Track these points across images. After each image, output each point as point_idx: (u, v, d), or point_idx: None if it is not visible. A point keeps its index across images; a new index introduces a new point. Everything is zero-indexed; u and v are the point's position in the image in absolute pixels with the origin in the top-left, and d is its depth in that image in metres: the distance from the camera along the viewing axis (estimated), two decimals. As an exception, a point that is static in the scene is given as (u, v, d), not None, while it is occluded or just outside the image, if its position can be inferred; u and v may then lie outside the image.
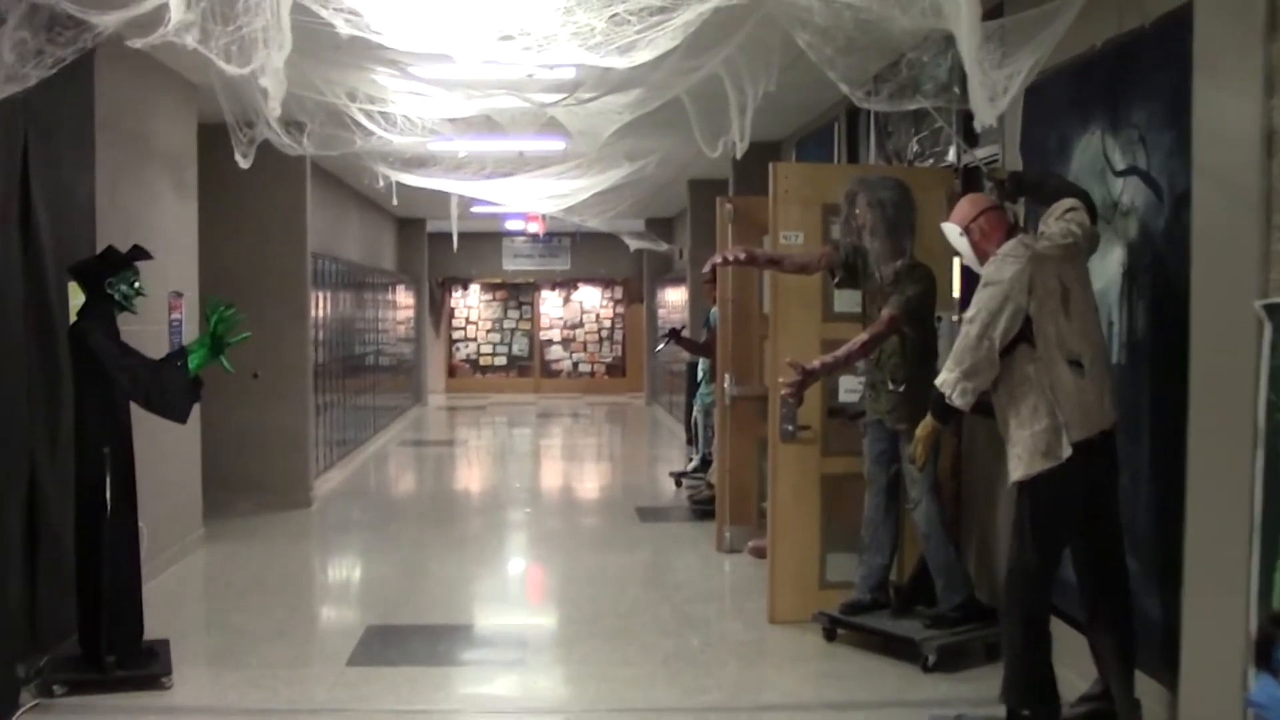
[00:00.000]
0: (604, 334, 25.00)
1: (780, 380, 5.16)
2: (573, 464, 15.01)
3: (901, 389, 5.81)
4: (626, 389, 24.04)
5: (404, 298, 19.12)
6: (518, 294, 24.89)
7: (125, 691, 5.15)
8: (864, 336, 5.56)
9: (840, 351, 5.55)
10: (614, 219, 14.76)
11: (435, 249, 21.48)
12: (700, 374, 10.99)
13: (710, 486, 10.04)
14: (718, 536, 8.49)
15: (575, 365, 24.99)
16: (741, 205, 8.42)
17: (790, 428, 6.44)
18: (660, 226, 19.22)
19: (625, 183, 12.00)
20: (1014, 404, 4.41)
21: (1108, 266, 4.83)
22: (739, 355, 8.40)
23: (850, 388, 6.58)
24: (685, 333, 10.94)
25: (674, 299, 18.86)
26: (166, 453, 7.49)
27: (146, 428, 5.47)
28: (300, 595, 7.27)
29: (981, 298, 4.39)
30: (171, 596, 7.00)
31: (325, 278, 12.01)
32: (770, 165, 6.54)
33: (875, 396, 5.95)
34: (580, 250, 23.77)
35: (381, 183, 11.20)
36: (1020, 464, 4.38)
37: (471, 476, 13.73)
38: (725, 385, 8.34)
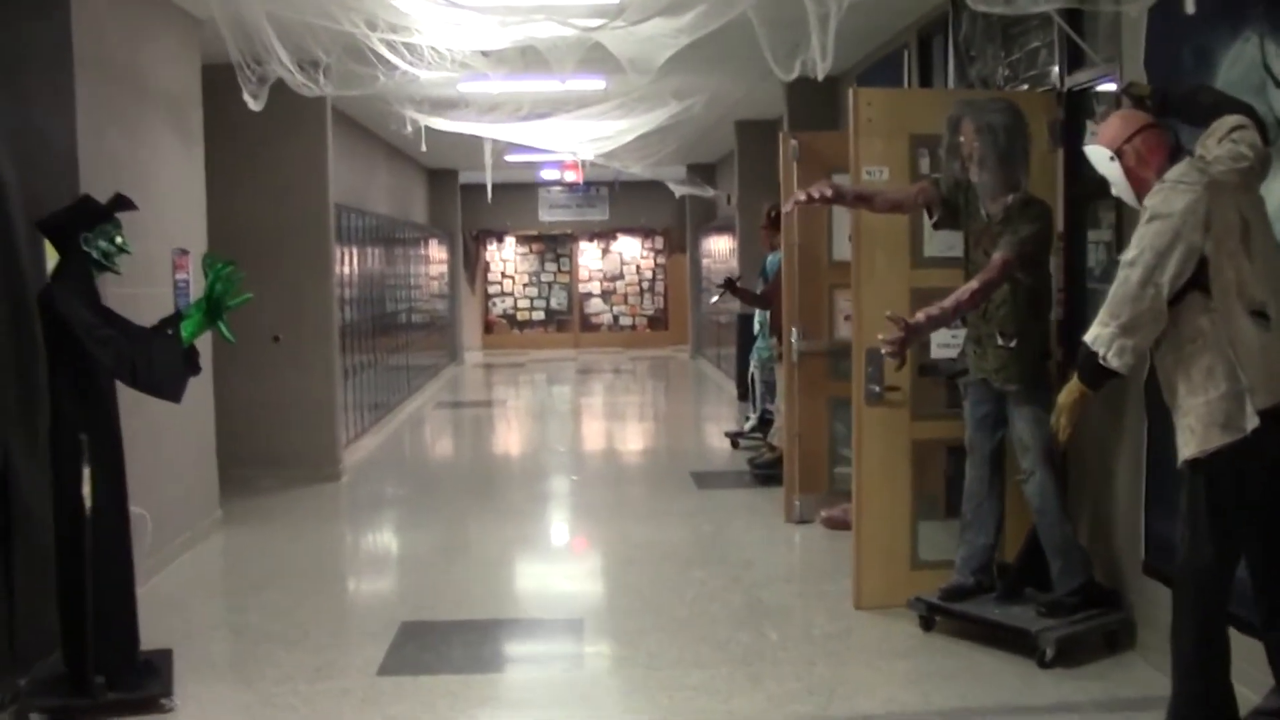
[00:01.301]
0: (645, 286, 24.16)
1: (880, 337, 4.35)
2: (618, 424, 14.24)
3: (1012, 344, 4.98)
4: (669, 342, 23.24)
5: (437, 252, 18.35)
6: (555, 246, 24.07)
7: (118, 718, 4.41)
8: (973, 285, 4.72)
9: (947, 302, 4.71)
10: (656, 164, 13.97)
11: (468, 201, 20.69)
12: (757, 327, 10.16)
13: (772, 449, 9.26)
14: (786, 506, 7.71)
15: (616, 319, 24.19)
16: (807, 141, 7.56)
17: (877, 389, 5.62)
18: (703, 173, 18.30)
19: (671, 124, 11.16)
20: (1183, 365, 3.57)
21: (1271, 196, 3.96)
22: (806, 307, 7.57)
23: (943, 342, 5.76)
24: (740, 283, 10.03)
25: (718, 248, 17.99)
26: (176, 428, 6.78)
27: (150, 401, 4.67)
28: (326, 587, 6.51)
29: (1145, 235, 3.54)
30: (179, 594, 6.28)
31: (352, 232, 11.23)
32: (851, 91, 5.68)
33: (981, 353, 5.11)
34: (619, 200, 22.90)
35: (409, 128, 10.42)
36: (1193, 438, 3.55)
37: (511, 440, 12.98)
38: (792, 340, 7.52)
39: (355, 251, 11.41)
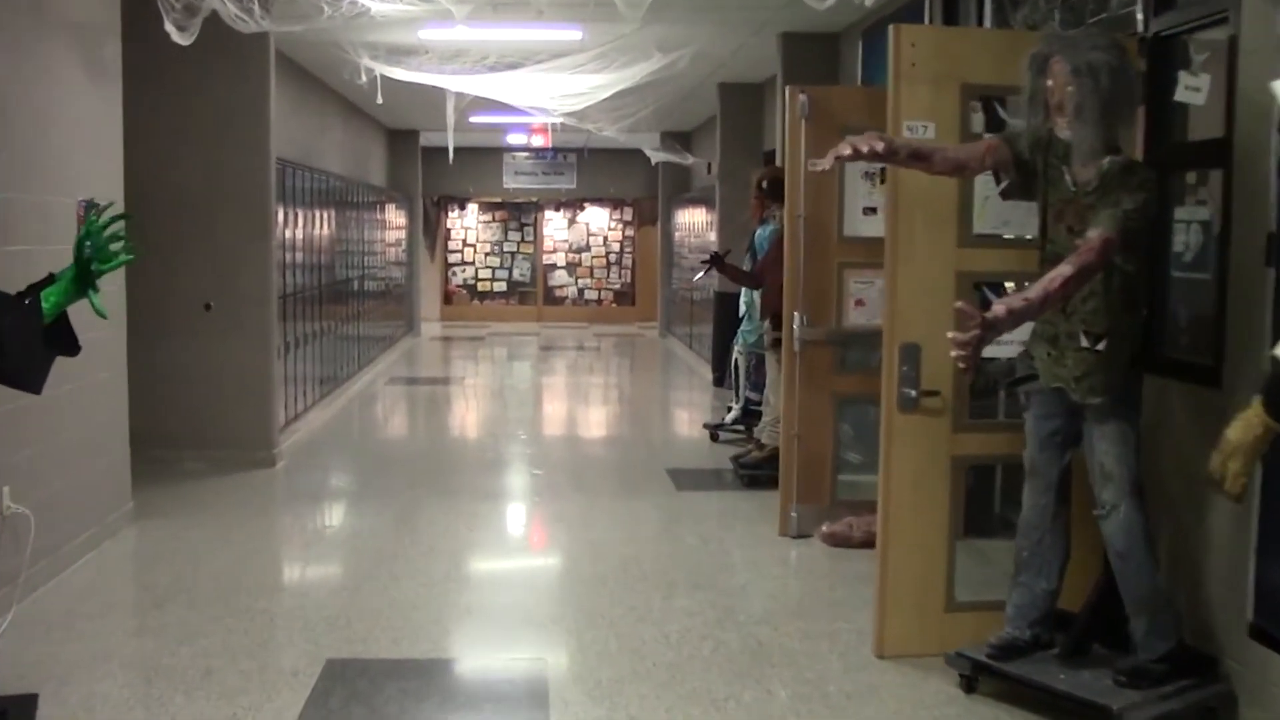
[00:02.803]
0: (612, 259, 23.09)
1: (951, 336, 3.38)
2: (584, 408, 13.23)
3: (1100, 346, 4.01)
4: (636, 318, 22.23)
5: (395, 217, 17.22)
6: (519, 214, 22.95)
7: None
8: (1066, 270, 3.73)
9: (1032, 292, 3.72)
10: (630, 130, 12.97)
11: (430, 165, 19.60)
12: (743, 307, 9.18)
13: (760, 446, 8.30)
14: (781, 517, 6.75)
15: (581, 292, 23.12)
16: (820, 97, 6.55)
17: (913, 392, 4.65)
18: (678, 141, 17.23)
19: (650, 81, 10.16)
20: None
21: None
22: (812, 288, 6.59)
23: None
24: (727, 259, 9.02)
25: (693, 220, 16.95)
26: (78, 404, 5.80)
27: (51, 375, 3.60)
28: (245, 604, 5.44)
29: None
30: (65, 613, 5.23)
31: (299, 192, 10.13)
32: (891, 28, 4.65)
33: (1057, 356, 4.14)
34: (587, 168, 21.84)
35: (364, 77, 9.35)
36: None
37: (469, 425, 11.93)
38: (795, 326, 6.54)
39: (304, 212, 10.31)
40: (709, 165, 14.71)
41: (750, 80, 12.45)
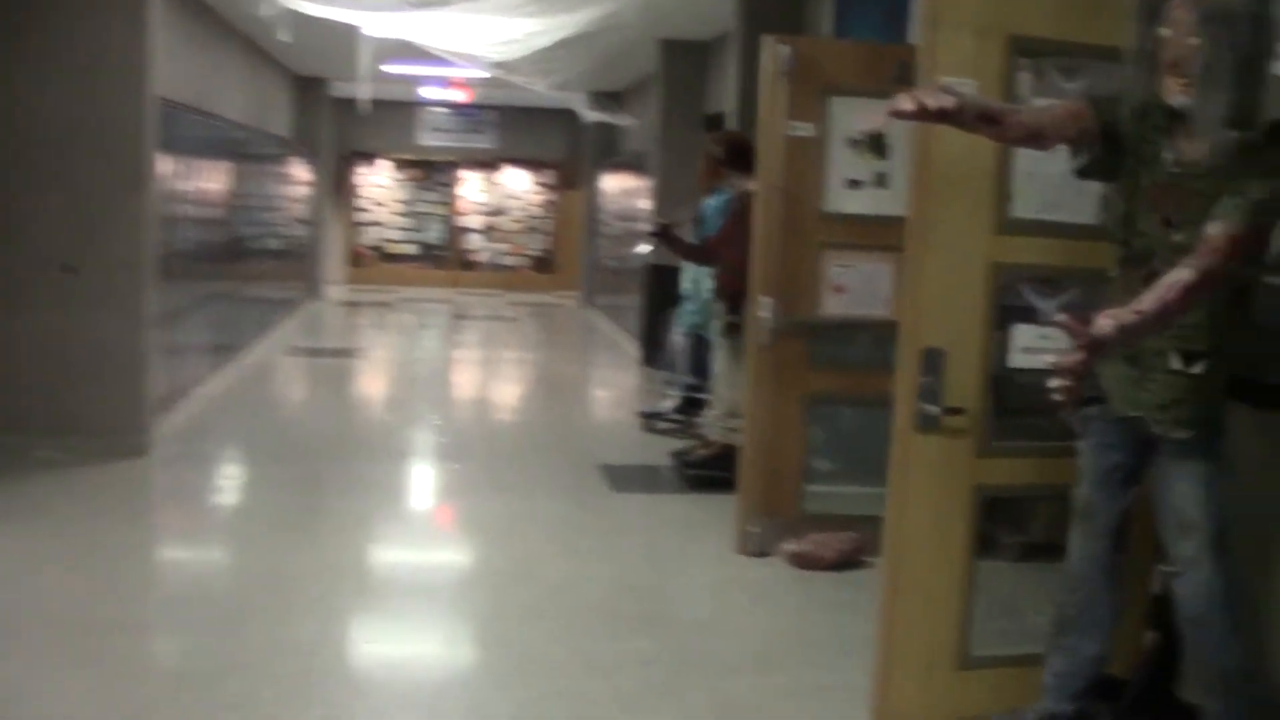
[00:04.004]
0: (532, 223, 21.99)
1: (1054, 362, 2.47)
2: (506, 387, 12.23)
3: (1197, 369, 3.14)
4: (556, 287, 21.18)
5: (299, 171, 15.98)
6: (434, 174, 21.71)
7: None
8: (1188, 276, 2.83)
9: (1147, 303, 2.82)
10: (561, 85, 11.97)
11: (339, 117, 18.37)
12: (689, 284, 8.27)
13: (707, 444, 7.40)
14: (739, 534, 5.84)
15: (498, 258, 21.99)
16: (805, 50, 5.61)
17: (935, 409, 3.75)
18: (609, 101, 16.18)
19: (589, 33, 9.20)
20: None
21: None
22: (787, 270, 5.67)
23: (1026, 344, 3.93)
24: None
25: (620, 186, 15.95)
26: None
27: None
28: (76, 652, 4.26)
29: None
30: None
31: (187, 139, 8.95)
32: (923, -43, 3.73)
33: (1138, 379, 3.24)
34: (509, 127, 20.72)
35: (263, 8, 8.22)
36: None
37: (376, 407, 10.87)
38: (764, 314, 5.63)
39: (192, 162, 9.14)
40: (647, 128, 13.72)
41: (696, 38, 11.49)
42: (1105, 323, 2.71)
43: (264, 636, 4.52)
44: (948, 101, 2.99)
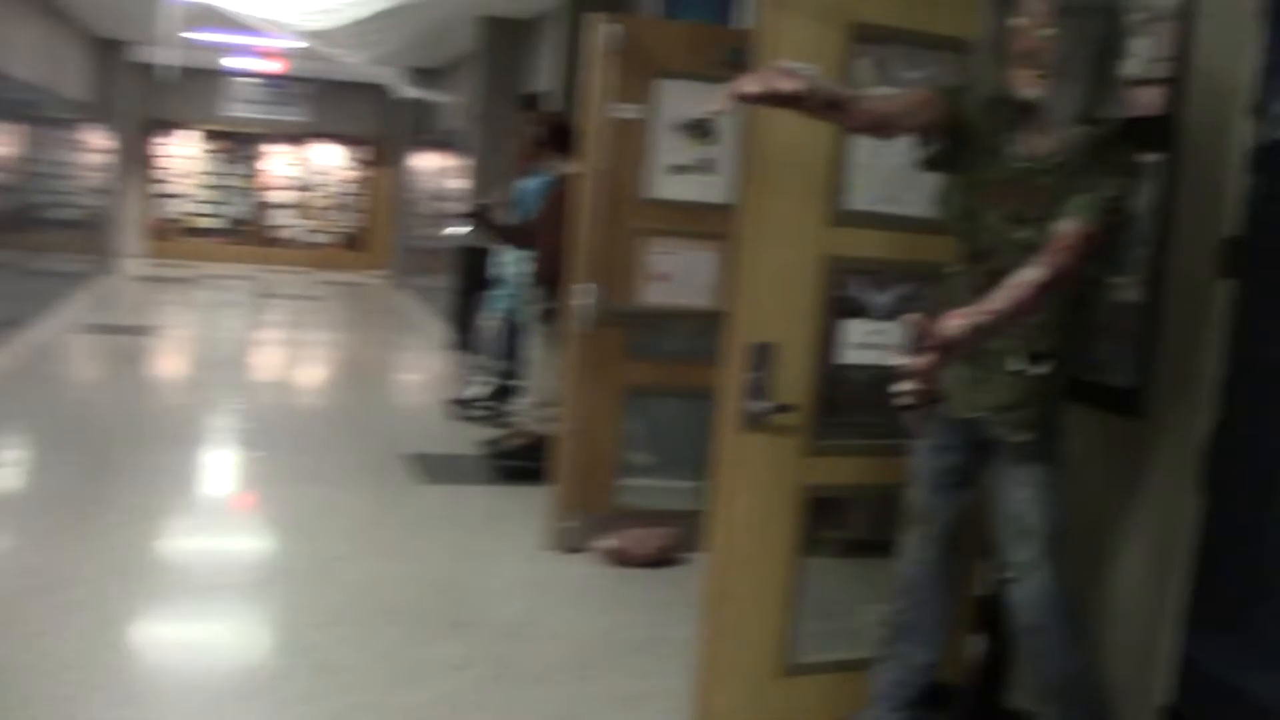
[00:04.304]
0: (343, 200, 21.31)
1: (900, 363, 2.32)
2: (311, 369, 11.74)
3: (1043, 370, 3.04)
4: (365, 265, 20.61)
5: (96, 138, 15.08)
6: (241, 146, 20.83)
7: None
8: (1040, 273, 2.71)
9: (999, 302, 2.68)
10: (378, 60, 11.56)
11: (139, 83, 17.43)
12: (499, 268, 8.00)
13: (518, 434, 7.16)
14: (553, 529, 5.63)
15: (305, 234, 21.25)
16: (634, 30, 5.40)
17: (762, 406, 3.59)
18: (427, 79, 15.72)
19: (408, 5, 8.85)
20: None
21: None
22: (607, 256, 5.47)
23: (860, 340, 3.80)
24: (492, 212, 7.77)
25: (433, 165, 15.53)
26: None
27: None
28: None
29: None
30: None
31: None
32: (760, -70, 3.55)
33: (980, 379, 3.13)
34: (320, 100, 20.04)
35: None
36: None
37: (172, 388, 10.28)
38: (584, 301, 5.41)
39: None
40: (466, 106, 13.33)
41: (517, 15, 11.18)
42: (957, 322, 2.57)
43: (27, 648, 4.10)
44: (799, 86, 2.80)
